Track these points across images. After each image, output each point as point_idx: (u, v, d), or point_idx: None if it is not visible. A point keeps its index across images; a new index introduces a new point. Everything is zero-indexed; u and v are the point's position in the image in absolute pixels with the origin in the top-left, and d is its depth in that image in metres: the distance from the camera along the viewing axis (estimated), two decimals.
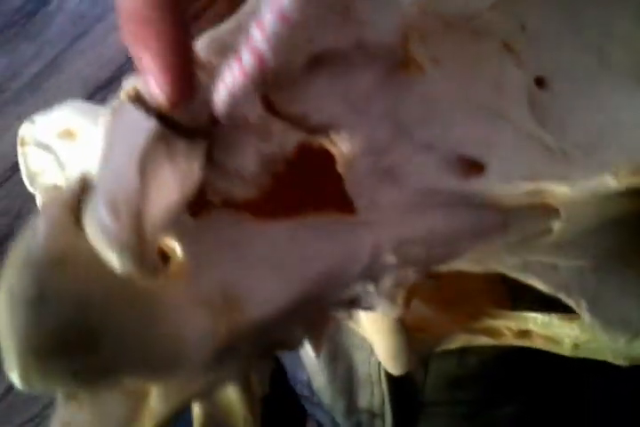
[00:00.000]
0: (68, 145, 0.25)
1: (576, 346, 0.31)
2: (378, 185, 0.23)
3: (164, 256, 0.20)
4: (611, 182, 0.23)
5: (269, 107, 0.22)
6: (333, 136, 0.23)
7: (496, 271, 0.28)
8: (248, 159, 0.22)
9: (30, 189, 0.30)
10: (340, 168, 0.23)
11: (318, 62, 0.22)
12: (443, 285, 0.37)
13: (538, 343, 0.33)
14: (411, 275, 0.25)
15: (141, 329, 0.18)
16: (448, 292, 0.35)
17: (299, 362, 0.53)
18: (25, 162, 0.29)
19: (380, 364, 0.46)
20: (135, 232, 0.17)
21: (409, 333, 0.31)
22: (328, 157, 0.23)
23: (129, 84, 0.20)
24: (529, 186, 0.24)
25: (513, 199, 0.24)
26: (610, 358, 0.31)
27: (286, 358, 0.56)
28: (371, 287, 0.24)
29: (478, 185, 0.24)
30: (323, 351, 0.49)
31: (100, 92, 1.17)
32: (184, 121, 0.20)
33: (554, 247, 0.27)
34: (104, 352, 0.17)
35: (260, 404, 0.27)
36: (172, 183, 0.19)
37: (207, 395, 0.24)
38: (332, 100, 0.23)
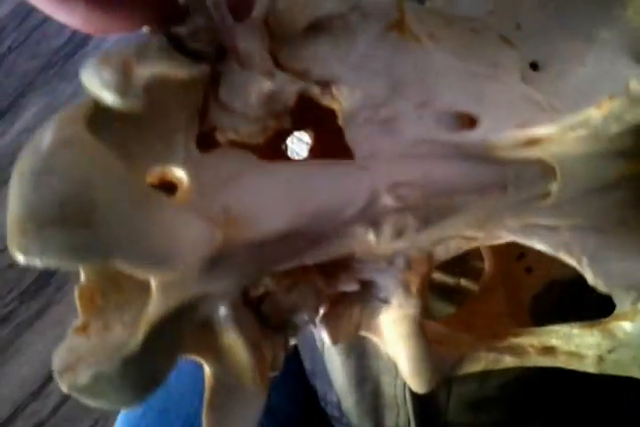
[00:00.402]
0: None
1: (600, 359, 0.31)
2: (376, 135, 0.24)
3: (172, 187, 0.21)
4: (594, 113, 0.23)
5: (273, 60, 0.23)
6: (333, 91, 0.24)
7: (498, 237, 0.28)
8: (252, 97, 0.22)
9: None
10: (341, 121, 0.24)
11: (318, 26, 0.23)
12: (464, 307, 0.37)
13: (561, 361, 0.32)
14: (411, 222, 0.25)
15: (138, 218, 0.19)
16: (468, 313, 0.36)
17: (329, 384, 0.54)
18: None
19: (405, 385, 0.47)
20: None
21: (430, 344, 0.30)
22: (328, 114, 0.24)
23: None
24: (520, 134, 0.24)
25: (507, 153, 0.25)
26: (636, 373, 0.30)
27: (317, 379, 0.57)
28: (371, 235, 0.25)
29: (472, 136, 0.24)
30: (351, 374, 0.50)
31: None
32: (188, 40, 0.21)
33: (553, 209, 0.27)
34: (99, 229, 0.18)
35: (269, 369, 0.27)
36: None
37: (205, 303, 0.24)
38: (331, 59, 0.24)
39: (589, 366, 0.31)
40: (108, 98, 0.19)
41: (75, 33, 1.25)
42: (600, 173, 0.25)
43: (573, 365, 0.31)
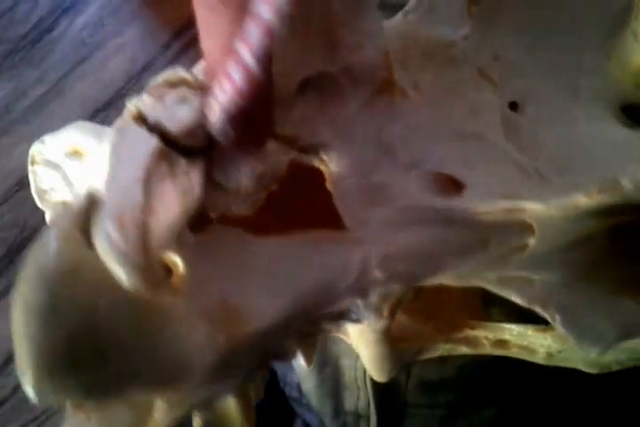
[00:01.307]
0: (76, 163, 0.25)
1: (549, 355, 0.31)
2: (365, 202, 0.24)
3: (167, 270, 0.20)
4: (582, 201, 0.23)
5: None
6: (322, 156, 0.23)
7: (476, 286, 0.28)
8: (244, 177, 0.22)
9: (40, 205, 0.29)
10: (329, 186, 0.23)
11: (307, 85, 0.22)
12: (422, 296, 0.37)
13: (513, 352, 0.33)
14: (397, 289, 0.25)
15: (146, 342, 0.18)
16: (427, 302, 0.35)
17: (289, 365, 0.53)
18: (35, 180, 0.28)
19: (365, 369, 0.46)
20: (141, 247, 0.17)
21: (393, 343, 0.31)
22: (318, 175, 0.23)
23: (131, 104, 0.20)
24: (506, 204, 0.24)
25: (491, 216, 0.24)
26: (581, 367, 0.31)
27: None
28: (359, 302, 0.25)
29: (459, 203, 0.24)
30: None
31: (99, 113, 1.17)
32: (183, 140, 0.20)
33: (529, 262, 0.27)
34: (112, 366, 0.17)
35: (254, 410, 0.26)
36: (174, 199, 0.19)
37: (207, 406, 0.24)
38: (320, 123, 0.23)
39: (539, 360, 0.32)
40: (125, 279, 0.17)
41: (40, 20, 1.23)
42: (576, 228, 0.25)
43: (524, 357, 0.32)
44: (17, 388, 1.01)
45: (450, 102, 0.25)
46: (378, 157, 0.24)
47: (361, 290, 0.24)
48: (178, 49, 1.26)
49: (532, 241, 0.25)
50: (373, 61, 0.23)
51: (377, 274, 0.24)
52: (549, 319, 0.28)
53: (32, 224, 1.11)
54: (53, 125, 0.95)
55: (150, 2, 1.28)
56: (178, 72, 0.21)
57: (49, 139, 0.26)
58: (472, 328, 0.33)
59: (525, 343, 0.32)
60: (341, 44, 0.22)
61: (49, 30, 1.22)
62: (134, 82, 1.22)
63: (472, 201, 0.24)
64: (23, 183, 1.14)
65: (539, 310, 0.28)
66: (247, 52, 0.17)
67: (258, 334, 0.21)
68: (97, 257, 0.17)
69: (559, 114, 0.26)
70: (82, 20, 1.23)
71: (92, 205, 0.19)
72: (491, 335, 0.33)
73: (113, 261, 0.17)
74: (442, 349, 0.34)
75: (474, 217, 0.24)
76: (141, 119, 0.20)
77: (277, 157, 0.22)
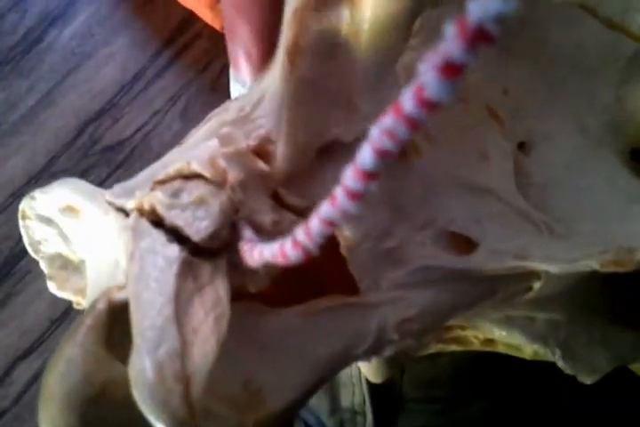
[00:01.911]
0: (72, 220, 0.24)
1: (535, 353, 0.31)
2: (379, 266, 0.23)
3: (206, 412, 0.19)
4: (593, 265, 0.22)
5: (277, 198, 0.21)
6: None
7: (480, 327, 0.28)
8: (254, 237, 0.20)
9: (33, 255, 0.28)
10: (344, 251, 0.22)
11: (323, 152, 0.22)
12: None
13: (501, 349, 0.33)
14: (409, 343, 0.25)
15: None
16: None
17: None
18: (27, 232, 0.27)
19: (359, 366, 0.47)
20: (184, 402, 0.16)
21: None
22: (332, 239, 0.23)
23: (145, 201, 0.19)
24: (517, 263, 0.23)
25: (502, 271, 0.24)
26: None
27: None
28: (373, 359, 0.25)
29: (471, 261, 0.24)
30: None
31: (91, 123, 1.17)
32: (204, 243, 0.19)
33: (532, 303, 0.26)
34: None
35: None
36: (207, 327, 0.18)
37: None
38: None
39: (526, 356, 0.32)
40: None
41: (29, 30, 1.22)
42: (577, 272, 0.25)
43: (511, 352, 0.32)
44: (19, 398, 1.02)
45: (460, 152, 0.24)
46: (392, 221, 0.23)
47: (375, 350, 0.24)
48: (168, 58, 1.25)
49: (537, 285, 0.25)
50: None
51: (393, 336, 0.23)
52: (550, 354, 0.28)
53: None
54: (46, 136, 0.96)
55: (139, 11, 1.27)
56: (191, 165, 0.20)
57: (39, 195, 0.24)
58: (462, 329, 0.33)
59: (512, 342, 0.32)
60: (358, 114, 0.22)
61: (38, 41, 1.22)
62: (125, 91, 1.21)
63: (484, 260, 0.24)
64: (16, 195, 1.14)
65: (540, 345, 0.28)
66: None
67: (283, 411, 0.21)
68: (123, 374, 0.17)
69: (568, 155, 0.25)
70: (71, 30, 1.22)
71: (113, 316, 0.18)
72: (480, 335, 0.33)
73: (154, 412, 0.16)
74: (434, 347, 0.34)
75: (485, 271, 0.24)
76: (157, 220, 0.19)
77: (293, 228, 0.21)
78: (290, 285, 0.22)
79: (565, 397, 0.47)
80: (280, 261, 0.17)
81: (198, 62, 1.28)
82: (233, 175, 0.20)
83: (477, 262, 0.24)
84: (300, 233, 0.16)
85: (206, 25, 1.27)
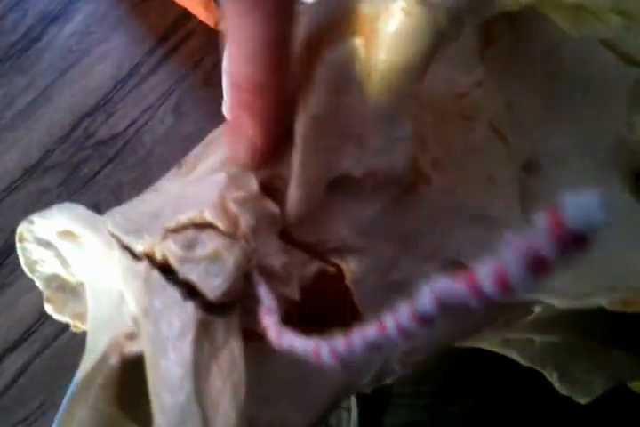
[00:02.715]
0: (71, 244, 0.23)
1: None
2: (384, 298, 0.22)
3: None
4: (603, 304, 0.23)
5: (284, 232, 0.21)
6: (343, 256, 0.22)
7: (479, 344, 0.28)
8: (272, 300, 0.20)
9: (30, 275, 0.27)
10: (349, 283, 0.22)
11: (331, 187, 0.21)
12: None
13: (485, 345, 0.32)
14: (409, 370, 0.25)
15: None
16: None
17: None
18: (24, 254, 0.26)
19: None
20: None
21: None
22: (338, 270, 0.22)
23: (159, 251, 0.19)
24: (524, 296, 0.23)
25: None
26: None
27: None
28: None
29: None
30: None
31: (86, 118, 1.18)
32: (218, 300, 0.18)
33: (531, 325, 0.26)
34: None
35: None
36: (226, 398, 0.17)
37: None
38: (342, 226, 0.22)
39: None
40: None
41: (29, 29, 1.23)
42: (587, 306, 0.25)
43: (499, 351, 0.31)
44: (7, 389, 1.03)
45: (468, 174, 0.24)
46: (398, 253, 0.22)
47: (378, 381, 0.24)
48: (162, 55, 1.26)
49: (537, 308, 0.25)
50: (399, 167, 0.22)
51: (396, 367, 0.23)
52: (547, 376, 0.28)
53: None
54: (41, 131, 0.98)
55: (135, 10, 1.28)
56: (204, 214, 0.19)
57: (38, 220, 0.23)
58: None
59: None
60: (368, 149, 0.21)
61: (37, 39, 1.23)
62: (119, 87, 1.22)
63: None
64: (11, 189, 1.15)
65: (538, 368, 0.28)
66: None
67: None
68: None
69: (574, 177, 0.25)
70: (69, 28, 1.23)
71: (126, 372, 0.18)
72: None
73: None
74: None
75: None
76: (170, 273, 0.19)
77: (303, 269, 0.21)
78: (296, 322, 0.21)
79: (553, 393, 0.47)
80: (312, 358, 0.16)
81: (191, 59, 1.28)
82: (245, 222, 0.19)
83: None
84: (341, 344, 0.15)
85: (200, 22, 1.28)
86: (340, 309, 0.23)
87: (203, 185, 0.21)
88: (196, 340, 0.18)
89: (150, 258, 0.19)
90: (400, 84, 0.19)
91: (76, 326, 0.27)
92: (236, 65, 0.19)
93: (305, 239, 0.21)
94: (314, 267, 0.22)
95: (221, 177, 0.20)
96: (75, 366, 0.22)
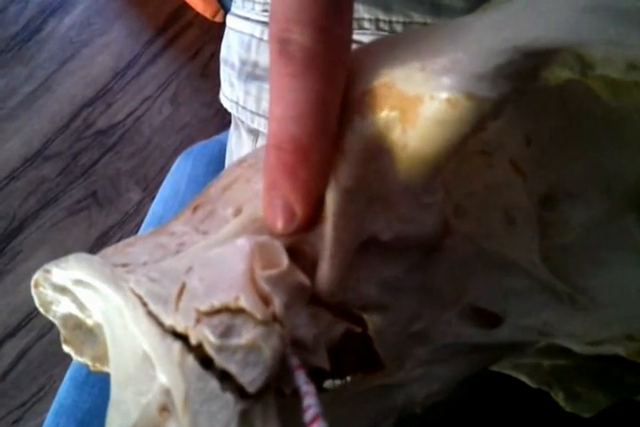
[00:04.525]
0: (87, 291, 0.22)
1: None
2: (405, 346, 0.22)
3: None
4: (621, 353, 0.22)
5: (314, 298, 0.20)
6: (367, 311, 0.21)
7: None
8: (309, 385, 0.18)
9: (45, 314, 0.27)
10: (371, 333, 0.22)
11: (358, 248, 0.21)
12: None
13: None
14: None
15: None
16: None
17: None
18: (39, 297, 0.25)
19: None
20: None
21: None
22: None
23: (193, 336, 0.18)
24: (541, 339, 0.23)
25: None
26: None
27: None
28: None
29: (495, 336, 0.23)
30: None
31: (86, 108, 1.19)
32: (257, 390, 0.18)
33: (541, 351, 0.26)
34: None
35: None
36: None
37: None
38: (368, 285, 0.21)
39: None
40: None
41: (30, 20, 1.23)
42: (603, 353, 0.25)
43: None
44: (5, 374, 1.03)
45: (487, 216, 0.23)
46: (420, 305, 0.22)
47: (398, 423, 0.24)
48: (160, 46, 1.27)
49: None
50: (430, 231, 0.21)
51: (417, 409, 0.23)
52: (553, 396, 0.28)
53: (20, 216, 1.12)
54: (41, 121, 1.00)
55: (134, 1, 1.28)
56: (239, 301, 0.18)
57: (55, 269, 0.22)
58: None
59: None
60: (397, 214, 0.21)
61: (38, 30, 1.23)
62: (118, 78, 1.22)
63: (508, 335, 0.23)
64: (12, 176, 1.16)
65: (545, 389, 0.28)
66: None
67: None
68: None
69: (591, 216, 0.24)
70: (69, 19, 1.23)
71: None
72: None
73: None
74: None
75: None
76: (205, 358, 0.18)
77: (330, 332, 0.21)
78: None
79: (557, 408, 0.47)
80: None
81: (189, 49, 1.29)
82: (279, 303, 0.19)
83: (501, 337, 0.23)
84: None
85: (197, 14, 1.30)
86: (362, 354, 0.23)
87: (227, 250, 0.20)
88: None
89: (182, 337, 0.18)
90: (436, 160, 0.19)
91: (96, 367, 0.26)
92: (279, 126, 0.18)
93: (331, 300, 0.21)
94: (341, 328, 0.21)
95: (247, 244, 0.19)
96: None
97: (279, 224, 0.18)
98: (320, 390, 0.22)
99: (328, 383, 0.23)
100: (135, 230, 0.60)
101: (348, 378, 0.23)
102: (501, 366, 0.28)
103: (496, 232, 0.23)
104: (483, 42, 0.19)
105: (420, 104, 0.18)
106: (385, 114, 0.18)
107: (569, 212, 0.24)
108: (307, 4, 0.17)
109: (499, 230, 0.23)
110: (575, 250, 0.24)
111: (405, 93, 0.18)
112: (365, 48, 0.21)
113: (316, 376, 0.20)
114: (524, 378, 0.28)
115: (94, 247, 1.10)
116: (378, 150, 0.19)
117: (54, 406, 0.53)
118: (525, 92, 0.19)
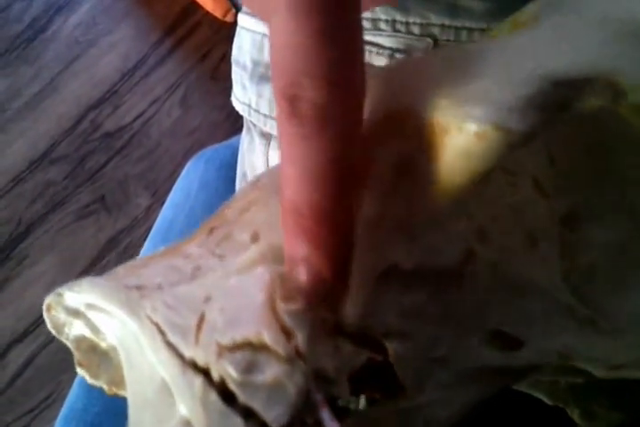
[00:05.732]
0: (101, 314, 0.22)
1: None
2: (428, 370, 0.22)
3: None
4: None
5: (336, 327, 0.20)
6: (387, 338, 0.21)
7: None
8: (334, 422, 0.18)
9: (57, 336, 0.27)
10: (392, 359, 0.21)
11: (378, 277, 0.20)
12: None
13: None
14: None
15: None
16: None
17: None
18: (50, 319, 0.25)
19: None
20: None
21: None
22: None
23: (217, 374, 0.18)
24: (562, 362, 0.23)
25: None
26: None
27: None
28: None
29: (516, 359, 0.23)
30: None
31: (92, 110, 1.18)
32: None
33: (557, 369, 0.26)
34: None
35: None
36: None
37: None
38: (388, 313, 0.21)
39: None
40: None
41: (35, 19, 1.22)
42: (624, 377, 0.25)
43: None
44: (13, 380, 1.03)
45: (511, 239, 0.23)
46: (440, 333, 0.22)
47: None
48: (169, 46, 1.26)
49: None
50: (453, 261, 0.21)
51: None
52: (569, 413, 0.28)
53: (27, 220, 1.12)
54: (48, 123, 0.99)
55: (141, 0, 1.27)
56: (261, 336, 0.18)
57: (68, 293, 0.23)
58: None
59: None
60: (419, 243, 0.20)
61: (43, 29, 1.22)
62: (126, 79, 1.21)
63: (528, 358, 0.23)
64: (18, 179, 1.15)
65: (562, 405, 0.28)
66: None
67: None
68: None
69: (613, 237, 0.24)
70: (75, 18, 1.22)
71: None
72: None
73: None
74: None
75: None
76: (229, 395, 0.18)
77: (351, 362, 0.21)
78: None
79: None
80: None
81: (198, 50, 1.28)
82: (302, 338, 0.18)
83: (522, 360, 0.23)
84: None
85: (207, 13, 1.29)
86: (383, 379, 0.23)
87: (246, 279, 0.20)
88: None
89: (203, 371, 0.18)
90: (462, 191, 0.19)
91: (112, 389, 0.26)
92: (295, 190, 0.17)
93: (351, 329, 0.20)
94: (363, 358, 0.21)
95: (266, 273, 0.19)
96: None
97: (309, 290, 0.18)
98: (342, 414, 0.21)
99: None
100: (144, 236, 0.59)
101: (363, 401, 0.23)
102: (518, 383, 0.28)
103: (518, 255, 0.23)
104: (511, 69, 0.18)
105: (446, 134, 0.18)
106: (409, 143, 0.18)
107: (592, 231, 0.24)
108: (316, 53, 0.16)
109: (521, 253, 0.23)
110: (598, 271, 0.24)
111: (431, 122, 0.18)
112: (386, 72, 0.21)
113: (339, 410, 0.20)
114: (540, 395, 0.28)
115: (103, 252, 1.07)
116: (402, 180, 0.19)
117: (64, 410, 0.53)
118: (556, 121, 0.18)
